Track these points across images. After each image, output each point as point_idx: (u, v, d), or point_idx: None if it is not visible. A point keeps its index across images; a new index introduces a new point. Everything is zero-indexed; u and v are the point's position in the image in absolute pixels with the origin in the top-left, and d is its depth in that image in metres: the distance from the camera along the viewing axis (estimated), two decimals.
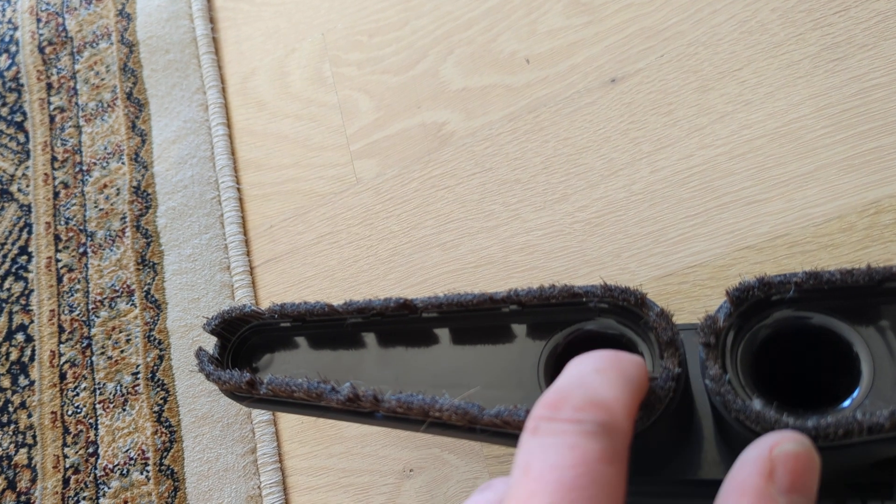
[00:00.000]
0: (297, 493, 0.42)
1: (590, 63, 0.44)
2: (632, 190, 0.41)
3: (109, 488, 0.45)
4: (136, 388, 0.47)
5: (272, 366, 0.32)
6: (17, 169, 0.57)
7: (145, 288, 0.49)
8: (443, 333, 0.30)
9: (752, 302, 0.25)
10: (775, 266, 0.37)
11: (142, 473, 0.44)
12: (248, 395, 0.30)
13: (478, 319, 0.29)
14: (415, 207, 0.46)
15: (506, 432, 0.24)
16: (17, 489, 0.47)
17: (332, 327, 0.32)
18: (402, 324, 0.30)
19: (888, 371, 0.23)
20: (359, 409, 0.27)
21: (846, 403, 0.23)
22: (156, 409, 0.46)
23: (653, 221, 0.40)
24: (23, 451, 0.48)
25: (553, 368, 0.27)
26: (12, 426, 0.49)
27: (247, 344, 0.33)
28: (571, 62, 0.45)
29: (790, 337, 0.25)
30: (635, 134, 0.42)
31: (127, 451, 0.45)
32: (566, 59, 0.45)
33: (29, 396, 0.49)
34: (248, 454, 0.43)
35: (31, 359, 0.50)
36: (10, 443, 0.49)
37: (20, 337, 0.51)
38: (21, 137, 0.58)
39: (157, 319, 0.48)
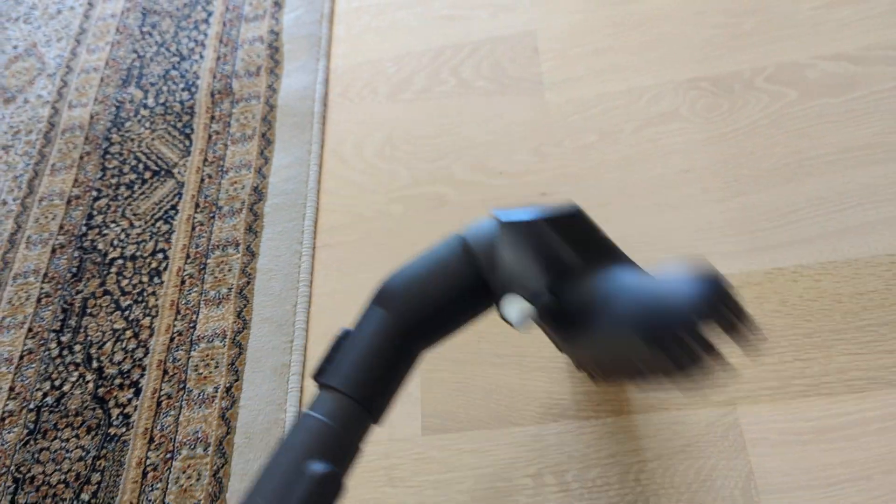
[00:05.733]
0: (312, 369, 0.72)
1: (534, 183, 0.79)
2: None
3: (199, 347, 0.75)
4: (228, 297, 0.78)
5: None
6: (180, 160, 0.91)
7: (248, 244, 0.81)
8: None
9: None
10: None
11: (222, 342, 0.75)
12: None
13: None
14: (417, 235, 0.79)
15: None
16: (139, 339, 0.77)
17: None
18: None
19: None
20: None
21: None
22: (238, 311, 0.77)
23: None
24: (147, 318, 0.79)
25: None
26: (143, 304, 0.80)
27: None
28: (525, 179, 0.80)
29: None
30: None
31: (214, 329, 0.76)
32: (522, 178, 0.80)
33: (158, 289, 0.80)
34: (287, 342, 0.74)
35: (165, 269, 0.82)
36: (141, 312, 0.79)
37: (160, 256, 0.83)
38: (187, 143, 0.92)
39: (250, 263, 0.80)
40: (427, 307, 0.48)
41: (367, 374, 0.46)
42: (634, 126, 0.80)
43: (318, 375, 0.47)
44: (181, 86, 0.98)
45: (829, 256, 0.68)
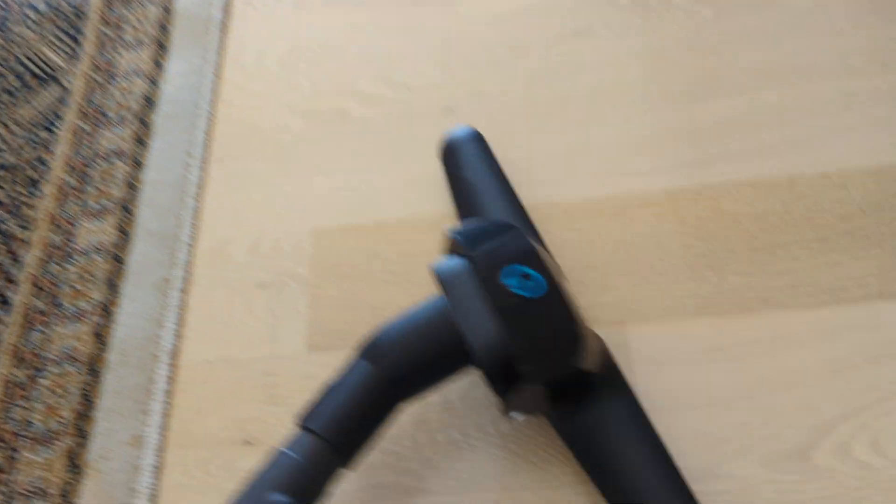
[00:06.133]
0: (196, 285, 0.69)
1: (440, 99, 0.75)
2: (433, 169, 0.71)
3: (76, 261, 0.71)
4: (111, 210, 0.73)
5: None
6: (66, 64, 0.84)
7: (135, 155, 0.76)
8: None
9: None
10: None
11: (101, 255, 0.71)
12: None
13: None
14: (317, 150, 0.75)
15: None
16: (12, 251, 0.72)
17: None
18: None
19: None
20: None
21: None
22: (120, 224, 0.72)
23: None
24: (22, 231, 0.74)
25: None
26: (18, 216, 0.75)
27: None
28: (431, 94, 0.76)
29: None
30: None
31: (93, 242, 0.71)
32: (429, 92, 0.76)
33: (37, 201, 0.75)
34: (171, 257, 0.70)
35: (44, 179, 0.76)
36: (15, 224, 0.74)
37: (39, 165, 0.78)
38: (75, 46, 0.86)
39: (137, 173, 0.75)
40: (413, 367, 0.50)
41: (345, 422, 0.48)
42: (546, 42, 0.77)
43: (299, 419, 0.48)
44: None
45: (732, 177, 0.66)
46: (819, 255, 0.61)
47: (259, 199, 0.73)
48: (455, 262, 0.51)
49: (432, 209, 0.69)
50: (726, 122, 0.69)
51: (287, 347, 0.64)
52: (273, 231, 0.70)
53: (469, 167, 0.65)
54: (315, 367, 0.62)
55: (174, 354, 0.65)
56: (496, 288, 0.49)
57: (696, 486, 0.50)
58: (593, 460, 0.52)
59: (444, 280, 0.50)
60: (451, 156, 0.67)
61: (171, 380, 0.64)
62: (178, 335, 0.66)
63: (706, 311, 0.60)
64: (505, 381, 0.49)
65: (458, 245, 0.52)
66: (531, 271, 0.50)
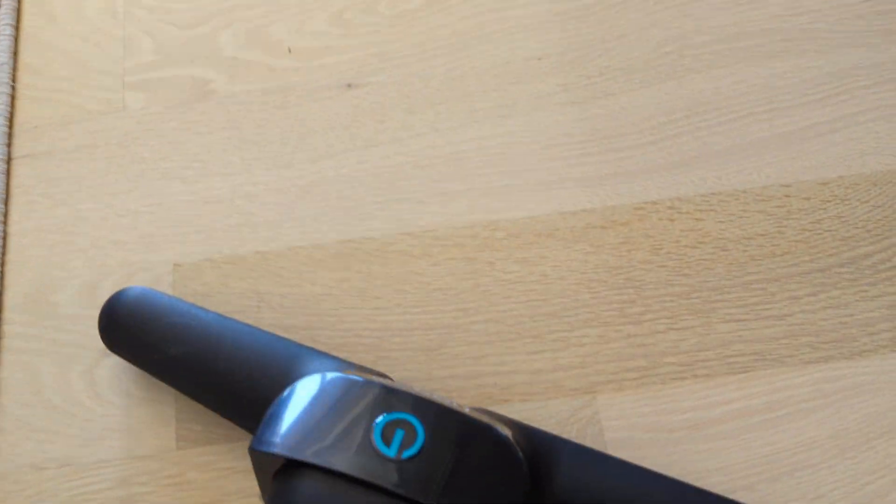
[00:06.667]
0: (8, 353, 0.49)
1: (336, 66, 0.56)
2: (339, 172, 0.53)
3: None
4: None
5: None
6: None
7: None
8: None
9: None
10: (423, 251, 0.51)
11: None
12: None
13: None
14: (168, 142, 0.55)
15: None
16: None
17: None
18: None
19: None
20: None
21: None
22: None
23: (348, 198, 0.53)
24: None
25: None
26: None
27: None
28: (323, 61, 0.57)
29: None
30: (354, 131, 0.54)
31: None
32: (319, 58, 0.57)
33: None
34: None
35: None
36: None
37: None
38: None
39: None
40: None
41: None
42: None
43: None
44: None
45: (713, 186, 0.52)
46: (820, 291, 0.50)
47: (90, 216, 0.53)
48: None
49: (336, 234, 0.52)
50: (702, 107, 0.55)
51: (150, 443, 0.47)
52: (115, 266, 0.51)
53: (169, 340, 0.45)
54: (188, 468, 0.46)
55: None
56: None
57: None
58: None
59: None
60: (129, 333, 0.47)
61: None
62: None
63: (691, 372, 0.48)
64: None
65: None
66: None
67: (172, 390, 0.48)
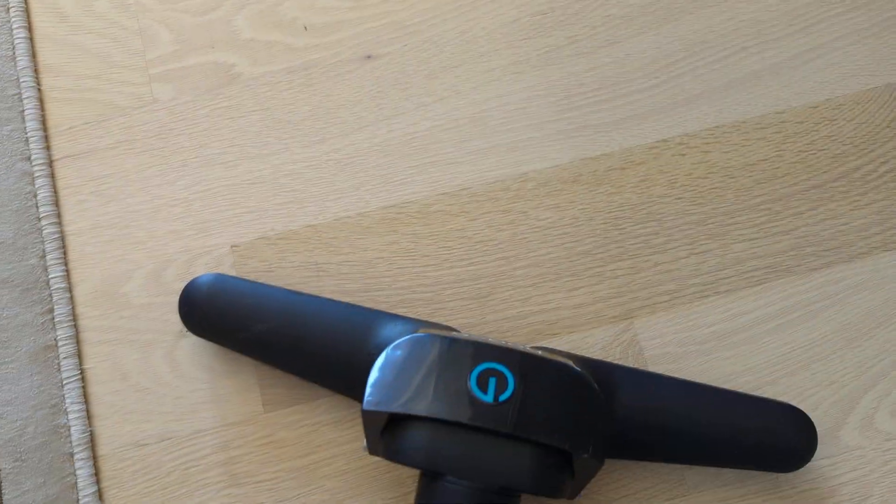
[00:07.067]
0: (89, 346, 0.53)
1: (353, 39, 0.59)
2: (373, 142, 0.57)
3: None
4: None
5: None
6: None
7: None
8: None
9: None
10: (460, 208, 0.55)
11: None
12: None
13: None
14: (203, 130, 0.57)
15: None
16: None
17: None
18: None
19: None
20: None
21: None
22: None
23: (384, 167, 0.56)
24: None
25: None
26: None
27: None
28: (339, 36, 0.59)
29: None
30: (380, 101, 0.58)
31: None
32: (335, 33, 0.59)
33: None
34: (45, 313, 0.53)
35: None
36: None
37: None
38: None
39: None
40: None
41: None
42: None
43: None
44: None
45: (716, 120, 0.57)
46: (819, 206, 0.56)
47: (142, 208, 0.55)
48: None
49: (378, 202, 0.56)
50: (700, 47, 0.59)
51: (238, 410, 0.52)
52: (175, 254, 0.55)
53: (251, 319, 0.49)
54: (279, 429, 0.51)
55: (92, 445, 0.51)
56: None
57: None
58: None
59: None
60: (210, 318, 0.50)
61: (97, 479, 0.50)
62: (90, 417, 0.51)
63: (713, 290, 0.54)
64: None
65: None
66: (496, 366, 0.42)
67: (250, 360, 0.52)
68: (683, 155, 0.57)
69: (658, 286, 0.54)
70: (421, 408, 0.40)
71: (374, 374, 0.42)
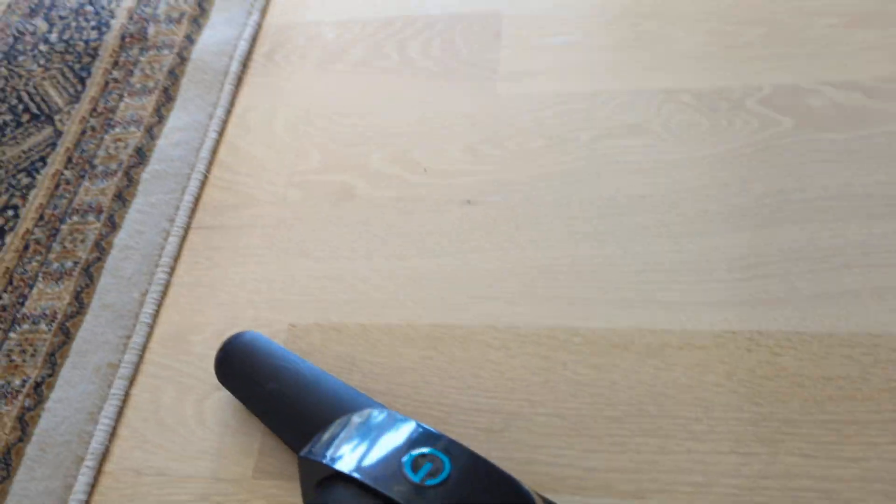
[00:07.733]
0: (143, 375, 0.59)
1: (461, 185, 0.65)
2: (445, 269, 0.60)
3: (20, 329, 0.62)
4: (72, 273, 0.64)
5: None
6: (65, 106, 0.77)
7: (111, 213, 0.68)
8: None
9: None
10: (503, 344, 0.55)
11: (48, 326, 0.61)
12: None
13: None
14: (311, 229, 0.65)
15: None
16: None
17: None
18: None
19: None
20: None
21: None
22: (77, 291, 0.63)
23: (447, 290, 0.59)
24: None
25: None
26: None
27: None
28: (451, 181, 0.66)
29: None
30: (465, 238, 0.62)
31: (44, 308, 0.62)
32: (449, 178, 0.66)
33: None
34: (124, 338, 0.60)
35: (11, 229, 0.68)
36: None
37: (10, 213, 0.70)
38: (79, 87, 0.79)
39: (108, 235, 0.66)
40: None
41: None
42: (592, 135, 0.66)
43: None
44: (92, 23, 0.84)
45: (797, 326, 0.53)
46: None
47: (236, 278, 0.63)
48: None
49: (430, 319, 0.58)
50: (796, 256, 0.56)
51: (230, 469, 0.53)
52: (243, 321, 0.60)
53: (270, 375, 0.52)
54: (257, 497, 0.51)
55: (102, 458, 0.54)
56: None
57: None
58: None
59: None
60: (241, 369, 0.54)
61: (92, 490, 0.53)
62: (113, 435, 0.55)
63: (749, 498, 0.47)
64: None
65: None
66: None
67: (261, 426, 0.54)
68: (750, 351, 0.52)
69: (685, 474, 0.48)
70: (348, 468, 0.39)
71: (325, 430, 0.42)
